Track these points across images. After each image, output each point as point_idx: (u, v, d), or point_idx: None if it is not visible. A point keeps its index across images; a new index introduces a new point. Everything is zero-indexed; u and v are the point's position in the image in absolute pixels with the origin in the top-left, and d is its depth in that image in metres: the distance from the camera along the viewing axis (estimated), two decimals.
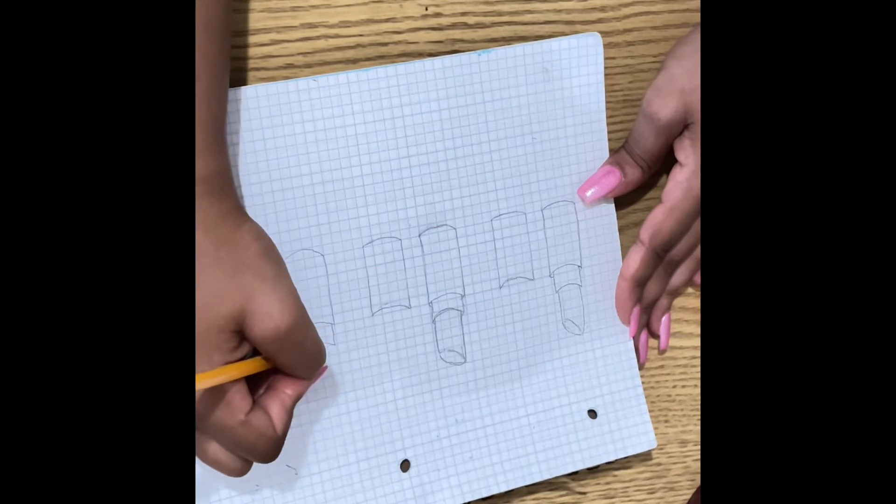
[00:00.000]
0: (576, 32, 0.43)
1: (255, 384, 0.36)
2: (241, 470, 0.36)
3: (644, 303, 0.46)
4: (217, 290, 0.33)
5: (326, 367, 0.39)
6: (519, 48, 0.42)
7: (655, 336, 0.48)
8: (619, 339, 0.46)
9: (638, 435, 0.46)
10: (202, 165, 0.33)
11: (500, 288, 0.44)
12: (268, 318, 0.33)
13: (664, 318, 0.48)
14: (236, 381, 0.34)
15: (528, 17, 0.43)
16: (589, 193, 0.44)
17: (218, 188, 0.34)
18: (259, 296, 0.33)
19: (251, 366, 0.34)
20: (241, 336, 0.34)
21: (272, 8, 0.40)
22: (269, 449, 0.35)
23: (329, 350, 0.41)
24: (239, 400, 0.34)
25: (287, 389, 0.36)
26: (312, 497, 0.41)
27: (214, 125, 0.34)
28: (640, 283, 0.45)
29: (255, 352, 0.35)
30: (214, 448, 0.35)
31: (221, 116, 0.35)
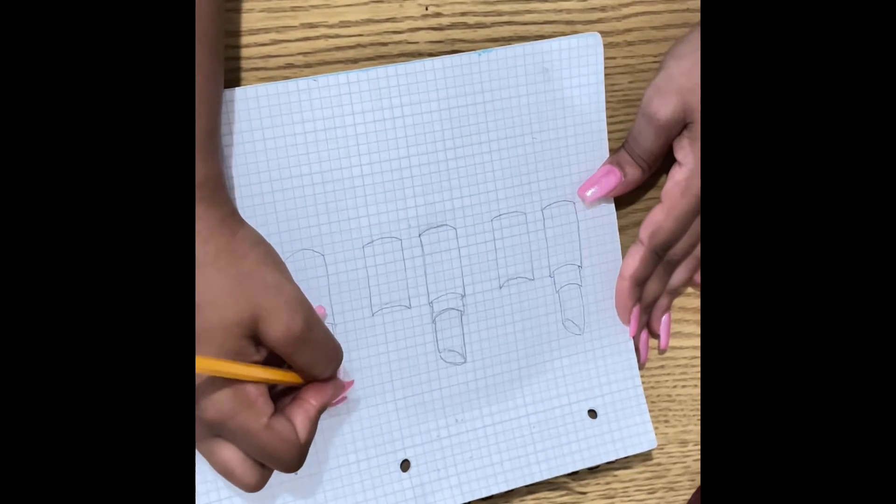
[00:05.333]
0: (576, 32, 0.43)
1: (279, 396, 0.36)
2: (256, 484, 0.35)
3: (644, 302, 0.46)
4: (224, 303, 0.33)
5: (352, 381, 0.40)
6: (519, 48, 0.42)
7: (655, 336, 0.48)
8: (620, 339, 0.46)
9: (638, 435, 0.46)
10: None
11: (501, 288, 0.44)
12: (278, 322, 0.33)
13: (664, 318, 0.47)
14: (260, 385, 0.34)
15: (528, 17, 0.43)
16: (589, 193, 0.44)
17: (210, 193, 0.34)
18: (265, 303, 0.33)
19: (286, 377, 0.35)
20: (257, 340, 0.34)
21: (272, 8, 0.40)
22: (293, 455, 0.35)
23: None
24: (262, 403, 0.34)
25: (312, 400, 0.36)
26: (312, 497, 0.41)
27: (205, 131, 0.34)
28: (640, 283, 0.45)
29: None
30: (230, 455, 0.35)
31: (213, 122, 0.35)
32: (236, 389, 0.33)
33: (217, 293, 0.33)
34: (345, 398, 0.40)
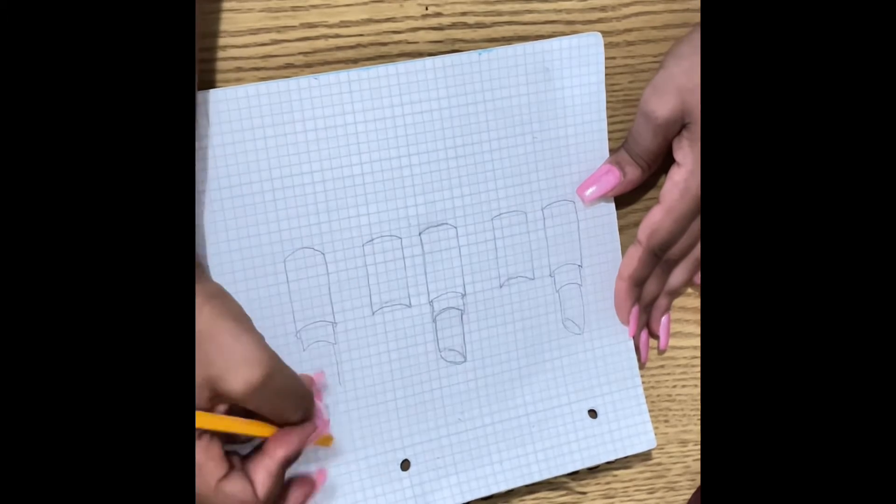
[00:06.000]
0: (576, 32, 0.43)
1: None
2: None
3: (643, 302, 0.46)
4: None
5: (327, 421, 0.39)
6: (519, 48, 0.42)
7: (655, 336, 0.48)
8: (619, 339, 0.46)
9: (638, 435, 0.46)
10: None
11: (501, 287, 0.44)
12: (235, 379, 0.33)
13: (663, 319, 0.47)
14: (209, 448, 0.33)
15: (528, 17, 0.43)
16: (588, 192, 0.44)
17: None
18: (219, 362, 0.33)
19: (249, 427, 0.34)
20: (219, 396, 0.34)
21: (272, 8, 0.40)
22: None
23: (329, 349, 0.41)
24: (212, 466, 0.33)
25: (275, 452, 0.35)
26: (312, 496, 0.41)
27: None
28: (638, 283, 0.45)
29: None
30: None
31: None
32: None
33: None
34: (329, 437, 0.39)
